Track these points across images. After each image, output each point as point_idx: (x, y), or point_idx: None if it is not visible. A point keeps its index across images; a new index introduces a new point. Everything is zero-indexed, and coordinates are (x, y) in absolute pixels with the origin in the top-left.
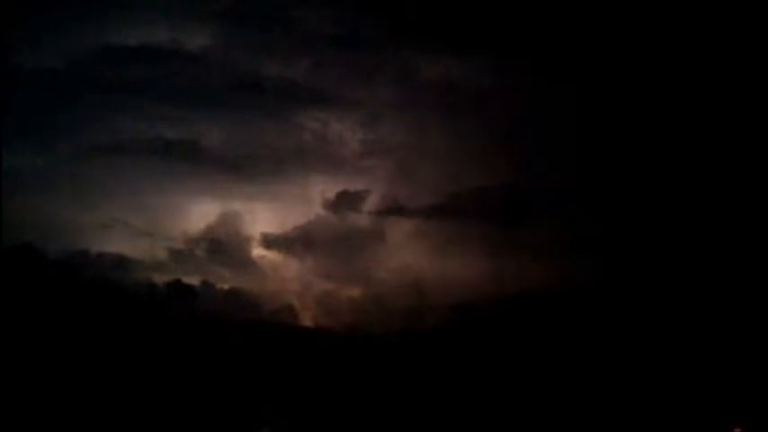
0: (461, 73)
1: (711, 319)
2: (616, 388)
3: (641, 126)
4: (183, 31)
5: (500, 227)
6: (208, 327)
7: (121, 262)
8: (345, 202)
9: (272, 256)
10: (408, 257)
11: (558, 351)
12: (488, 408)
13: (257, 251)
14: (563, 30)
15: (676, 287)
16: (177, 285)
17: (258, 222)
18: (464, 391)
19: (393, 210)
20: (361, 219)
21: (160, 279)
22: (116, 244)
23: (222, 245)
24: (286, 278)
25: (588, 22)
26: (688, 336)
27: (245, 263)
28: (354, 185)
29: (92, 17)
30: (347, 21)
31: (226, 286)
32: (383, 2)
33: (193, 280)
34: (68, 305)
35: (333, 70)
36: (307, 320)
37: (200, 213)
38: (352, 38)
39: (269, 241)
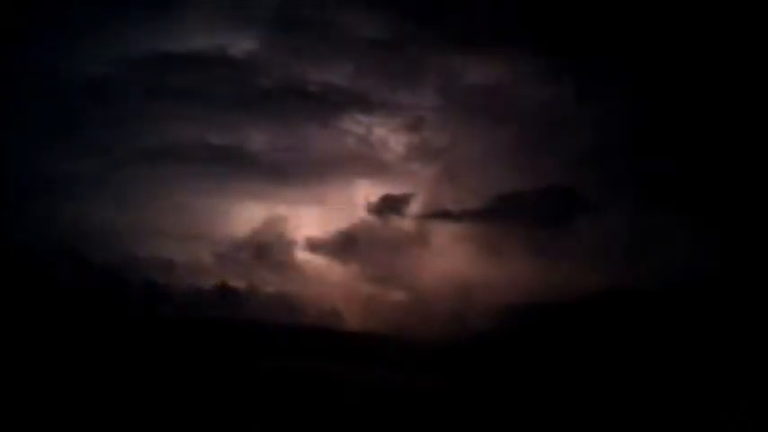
0: (505, 76)
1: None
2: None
3: (690, 132)
4: (226, 38)
5: (546, 229)
6: (251, 329)
7: (167, 266)
8: (389, 205)
9: (316, 259)
10: (453, 261)
11: (600, 356)
12: (535, 412)
13: (302, 255)
14: (605, 31)
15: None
16: (223, 289)
17: (302, 226)
18: (511, 395)
19: (437, 213)
20: (406, 222)
21: (206, 283)
22: (162, 248)
23: (267, 248)
24: (330, 282)
25: (627, 23)
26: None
27: (289, 266)
28: (398, 189)
29: (137, 25)
30: (390, 25)
31: (271, 289)
32: (426, 6)
33: (239, 283)
34: (113, 310)
35: (376, 75)
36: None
37: (245, 217)
38: (395, 42)
39: (313, 245)
